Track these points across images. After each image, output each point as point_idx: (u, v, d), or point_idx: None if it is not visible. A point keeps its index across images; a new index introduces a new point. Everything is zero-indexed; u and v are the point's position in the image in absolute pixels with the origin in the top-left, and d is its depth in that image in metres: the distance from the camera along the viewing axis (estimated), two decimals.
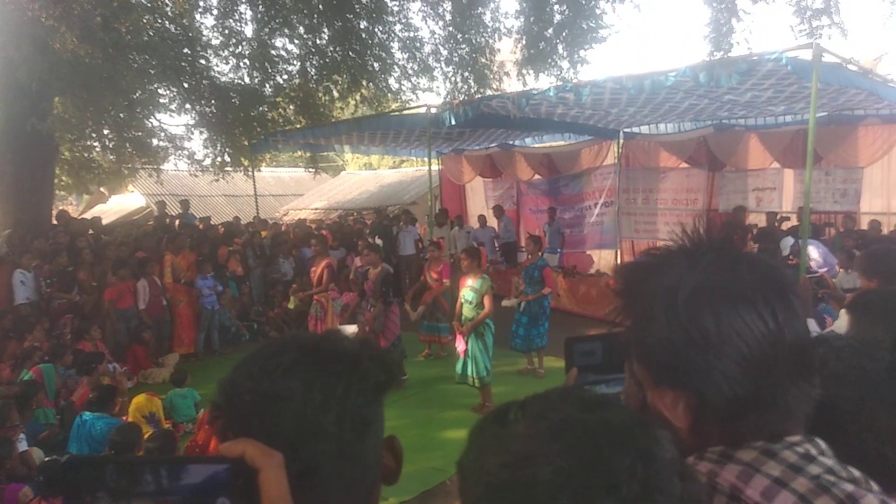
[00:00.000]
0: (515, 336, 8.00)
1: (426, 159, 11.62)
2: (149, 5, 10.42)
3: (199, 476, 0.65)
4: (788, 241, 8.80)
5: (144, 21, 9.85)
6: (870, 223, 9.44)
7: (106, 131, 11.90)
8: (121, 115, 11.21)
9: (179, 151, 13.68)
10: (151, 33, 10.28)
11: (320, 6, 12.25)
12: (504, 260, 13.43)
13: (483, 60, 13.54)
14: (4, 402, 5.25)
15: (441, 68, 13.97)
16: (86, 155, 13.93)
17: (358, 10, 12.84)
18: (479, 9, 13.24)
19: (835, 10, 10.58)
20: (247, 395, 0.77)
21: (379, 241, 11.83)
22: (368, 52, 13.20)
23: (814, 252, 7.95)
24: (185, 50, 11.92)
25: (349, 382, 0.79)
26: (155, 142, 13.03)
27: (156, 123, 13.10)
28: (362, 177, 23.48)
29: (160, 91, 12.59)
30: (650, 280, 0.84)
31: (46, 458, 4.99)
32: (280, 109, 13.94)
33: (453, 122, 9.63)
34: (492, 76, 13.79)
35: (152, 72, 10.93)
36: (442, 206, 14.83)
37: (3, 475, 4.56)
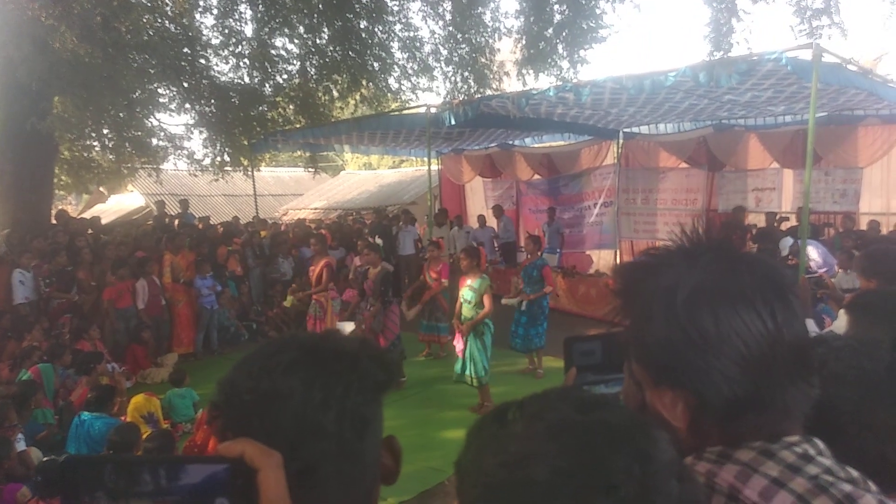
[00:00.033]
0: (515, 336, 8.00)
1: (426, 159, 11.62)
2: (149, 5, 10.41)
3: (197, 476, 0.65)
4: (788, 242, 8.80)
5: (144, 20, 9.85)
6: (869, 223, 9.44)
7: (105, 131, 11.90)
8: (120, 114, 11.22)
9: (179, 151, 13.69)
10: (151, 33, 10.27)
11: (320, 6, 12.24)
12: (503, 260, 13.42)
13: (483, 60, 13.55)
14: (3, 402, 5.24)
15: (441, 68, 13.98)
16: (85, 154, 13.94)
17: (358, 10, 12.84)
18: (479, 8, 13.24)
19: (835, 9, 10.59)
20: (246, 395, 0.77)
21: (379, 241, 11.82)
22: (368, 51, 13.20)
23: (813, 252, 7.95)
24: (185, 49, 11.92)
25: (349, 382, 0.79)
26: (154, 141, 13.04)
27: (155, 123, 13.12)
28: (362, 177, 23.49)
29: (160, 90, 12.59)
30: (649, 280, 0.84)
31: (45, 458, 4.99)
32: (280, 109, 13.94)
33: (453, 122, 9.63)
34: (492, 76, 13.80)
35: (152, 71, 10.93)
36: (441, 206, 14.83)
37: (1, 475, 4.56)
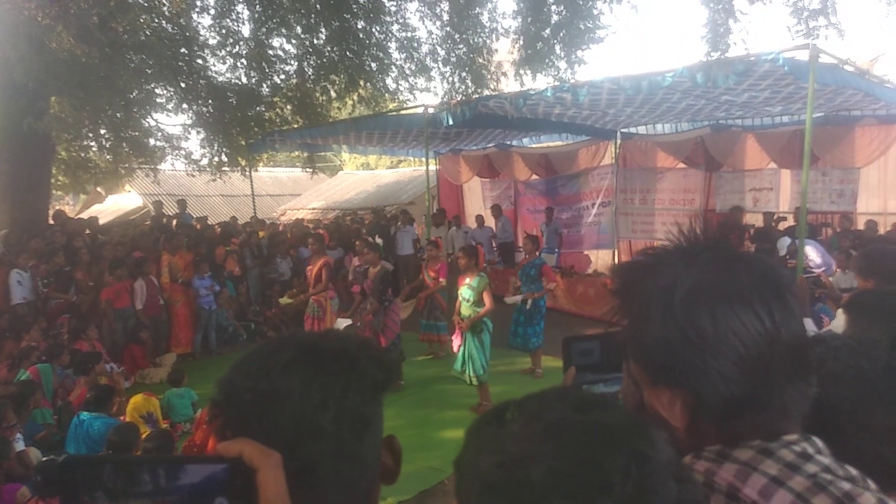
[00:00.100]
0: (515, 335, 8.02)
1: (424, 159, 11.62)
2: (146, 5, 10.39)
3: (196, 476, 0.65)
4: (785, 242, 8.82)
5: (141, 20, 9.83)
6: (866, 223, 9.47)
7: (103, 131, 11.87)
8: (118, 114, 11.19)
9: (176, 151, 13.65)
10: (148, 33, 10.26)
11: (318, 6, 12.23)
12: (501, 260, 13.43)
13: (480, 60, 13.54)
14: (1, 402, 5.23)
15: (438, 68, 13.97)
16: (82, 154, 13.91)
17: (355, 10, 12.83)
18: (477, 9, 13.23)
19: (832, 10, 10.60)
20: (245, 394, 0.77)
21: (379, 241, 11.82)
22: (366, 52, 13.19)
23: (812, 252, 7.97)
24: (182, 49, 11.90)
25: (347, 381, 0.79)
26: (152, 141, 13.01)
27: (153, 123, 13.09)
28: (360, 177, 23.47)
29: (157, 91, 12.57)
30: (647, 280, 0.84)
31: (44, 458, 4.99)
32: (277, 109, 13.92)
33: (451, 123, 9.63)
34: (489, 76, 13.79)
35: (149, 71, 10.90)
36: (439, 207, 14.83)
37: (0, 475, 4.55)
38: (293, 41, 13.26)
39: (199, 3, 12.32)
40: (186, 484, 0.64)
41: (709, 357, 0.78)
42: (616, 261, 12.46)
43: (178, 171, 17.80)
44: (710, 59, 10.36)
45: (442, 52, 13.78)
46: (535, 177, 14.29)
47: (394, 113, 12.62)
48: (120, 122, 11.41)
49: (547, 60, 12.87)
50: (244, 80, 13.37)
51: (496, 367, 7.41)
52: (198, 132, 13.63)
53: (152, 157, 13.57)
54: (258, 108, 13.44)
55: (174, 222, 13.06)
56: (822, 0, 10.62)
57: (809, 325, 2.87)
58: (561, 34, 12.47)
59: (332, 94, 13.94)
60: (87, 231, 11.32)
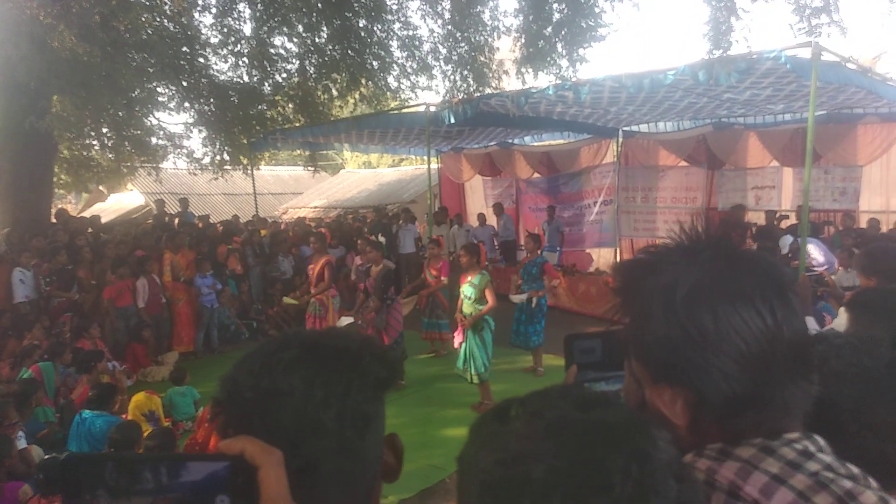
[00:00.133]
0: (517, 334, 8.03)
1: (425, 158, 11.61)
2: (147, 3, 10.40)
3: (198, 473, 0.65)
4: (787, 240, 8.81)
5: (143, 19, 9.84)
6: (868, 221, 9.45)
7: (105, 130, 11.90)
8: (119, 113, 11.22)
9: (178, 150, 13.70)
10: (150, 31, 10.27)
11: (319, 5, 12.24)
12: (503, 258, 13.43)
13: (482, 59, 13.54)
14: (4, 400, 5.25)
15: (440, 67, 13.98)
16: (84, 153, 13.93)
17: (357, 9, 12.84)
18: (478, 7, 13.23)
19: (834, 8, 10.59)
20: (247, 392, 0.77)
21: (382, 239, 11.81)
22: (367, 50, 13.19)
23: (815, 251, 7.96)
24: (184, 48, 11.91)
25: (350, 379, 0.79)
26: (154, 140, 13.04)
27: (155, 122, 13.12)
28: (361, 175, 23.47)
29: (159, 89, 12.59)
30: (648, 278, 0.84)
31: (46, 456, 5.00)
32: (279, 108, 13.94)
33: (452, 121, 9.62)
34: (491, 75, 13.79)
35: (151, 70, 10.91)
36: (441, 205, 14.83)
37: (2, 473, 4.56)
38: (295, 40, 13.27)
39: (200, 2, 12.34)
40: (188, 481, 0.64)
41: (710, 355, 0.78)
42: (618, 259, 12.45)
43: (180, 169, 17.85)
44: (712, 56, 10.35)
45: (443, 51, 13.79)
46: (536, 175, 14.27)
47: (395, 111, 12.62)
48: (122, 121, 11.43)
49: (549, 59, 12.87)
50: (246, 78, 13.39)
51: (498, 365, 7.41)
52: (200, 131, 13.66)
53: (154, 156, 13.61)
54: (260, 107, 13.46)
55: (176, 221, 13.06)
56: None
57: (811, 324, 2.86)
58: (563, 32, 12.46)
59: (334, 92, 13.96)
60: (90, 230, 11.34)
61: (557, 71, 12.93)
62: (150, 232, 11.56)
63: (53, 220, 11.57)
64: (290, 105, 14.14)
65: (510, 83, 14.24)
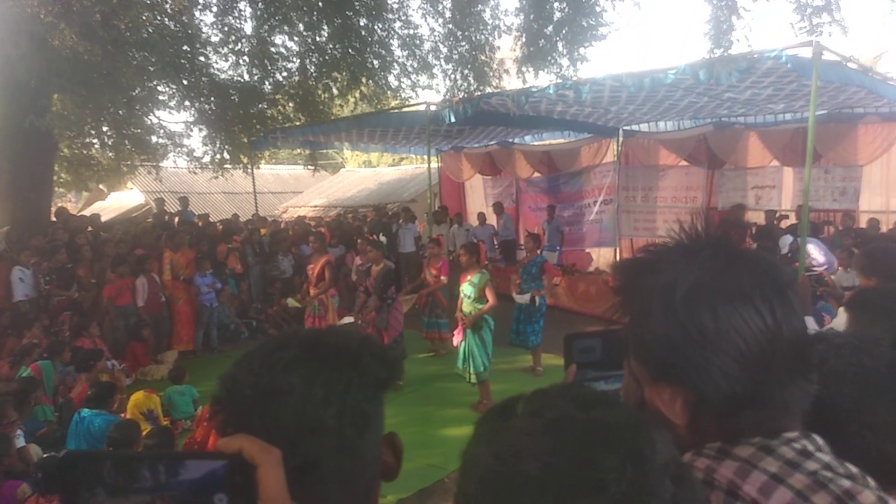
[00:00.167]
0: (517, 333, 8.03)
1: (426, 157, 11.61)
2: (148, 2, 10.38)
3: (196, 472, 0.65)
4: (787, 240, 8.81)
5: (144, 18, 9.83)
6: (868, 221, 9.45)
7: (105, 128, 11.89)
8: (120, 112, 11.21)
9: (178, 148, 13.70)
10: (151, 30, 10.26)
11: (320, 3, 12.23)
12: (503, 258, 13.43)
13: (483, 58, 13.51)
14: (2, 399, 5.25)
15: (440, 66, 13.95)
16: (85, 152, 13.92)
17: (357, 8, 12.82)
18: (479, 6, 13.20)
19: (835, 7, 10.56)
20: (247, 390, 0.77)
21: (383, 239, 11.80)
22: (368, 49, 13.18)
23: (815, 251, 7.95)
24: (185, 47, 11.90)
25: (350, 378, 0.79)
26: (154, 139, 13.03)
27: (155, 120, 13.11)
28: (362, 174, 23.46)
29: (159, 88, 12.58)
30: (648, 277, 0.84)
31: (45, 455, 4.99)
32: (279, 107, 13.93)
33: (453, 120, 9.62)
34: (491, 74, 13.76)
35: (151, 69, 10.91)
36: (441, 204, 14.83)
37: (1, 472, 4.56)
38: (295, 38, 13.26)
39: (201, 1, 12.33)
40: (186, 479, 0.64)
41: (710, 354, 0.78)
42: (618, 259, 12.45)
43: (180, 168, 17.85)
44: (712, 56, 10.31)
45: (444, 50, 13.76)
46: (537, 174, 14.27)
47: (396, 110, 12.63)
48: (122, 120, 11.42)
49: (549, 58, 12.83)
50: (246, 77, 13.38)
51: (497, 364, 7.41)
52: (200, 129, 13.65)
53: (154, 155, 13.60)
54: (260, 106, 13.45)
55: (176, 219, 13.06)
56: None
57: (811, 324, 2.86)
58: (563, 31, 12.43)
59: (335, 91, 13.94)
60: (90, 228, 11.34)
61: (558, 70, 12.89)
62: (149, 231, 11.55)
63: (53, 219, 11.57)
64: (291, 104, 14.13)
65: (511, 82, 14.22)
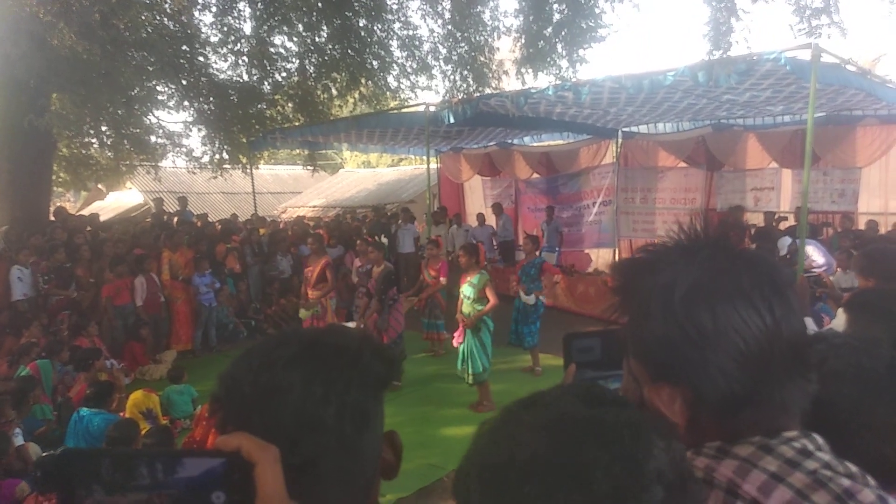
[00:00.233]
0: (516, 333, 8.04)
1: (425, 157, 11.62)
2: (147, 2, 10.38)
3: (194, 470, 0.65)
4: (786, 241, 8.82)
5: (143, 18, 9.83)
6: (867, 223, 9.46)
7: (104, 128, 11.88)
8: (119, 111, 11.21)
9: (177, 148, 13.69)
10: (150, 30, 10.26)
11: (319, 4, 12.23)
12: (502, 259, 13.43)
13: (482, 59, 13.53)
14: (1, 398, 5.25)
15: (440, 67, 13.96)
16: (83, 151, 13.91)
17: (357, 8, 12.83)
18: (479, 7, 13.22)
19: (834, 9, 10.57)
20: (247, 388, 0.77)
21: (384, 240, 11.80)
22: (367, 50, 13.19)
23: (815, 253, 7.96)
24: (184, 47, 11.90)
25: (349, 377, 0.79)
26: (153, 139, 13.02)
27: (154, 120, 13.10)
28: (361, 175, 23.45)
29: (158, 88, 12.57)
30: (647, 277, 0.84)
31: (43, 454, 5.00)
32: (278, 107, 13.93)
33: (452, 121, 9.62)
34: (491, 75, 13.78)
35: (151, 69, 10.90)
36: (440, 205, 14.83)
37: (0, 470, 4.56)
38: (294, 39, 13.27)
39: (200, 1, 12.33)
40: (184, 477, 0.64)
41: (709, 353, 0.78)
42: (617, 260, 12.45)
43: (179, 168, 17.82)
44: (711, 58, 10.32)
45: (443, 51, 13.78)
46: (536, 175, 14.28)
47: (395, 111, 12.64)
48: (121, 119, 11.42)
49: (548, 59, 12.85)
50: (245, 77, 13.38)
51: (497, 365, 7.40)
52: (199, 129, 13.66)
53: (153, 155, 13.59)
54: (259, 106, 13.45)
55: (175, 219, 13.06)
56: None
57: (810, 325, 2.87)
58: (563, 33, 12.45)
59: (334, 91, 13.95)
60: (88, 228, 11.33)
61: (557, 71, 12.91)
62: (148, 230, 11.55)
63: (52, 218, 11.55)
64: (290, 104, 14.14)
65: (510, 83, 14.23)
